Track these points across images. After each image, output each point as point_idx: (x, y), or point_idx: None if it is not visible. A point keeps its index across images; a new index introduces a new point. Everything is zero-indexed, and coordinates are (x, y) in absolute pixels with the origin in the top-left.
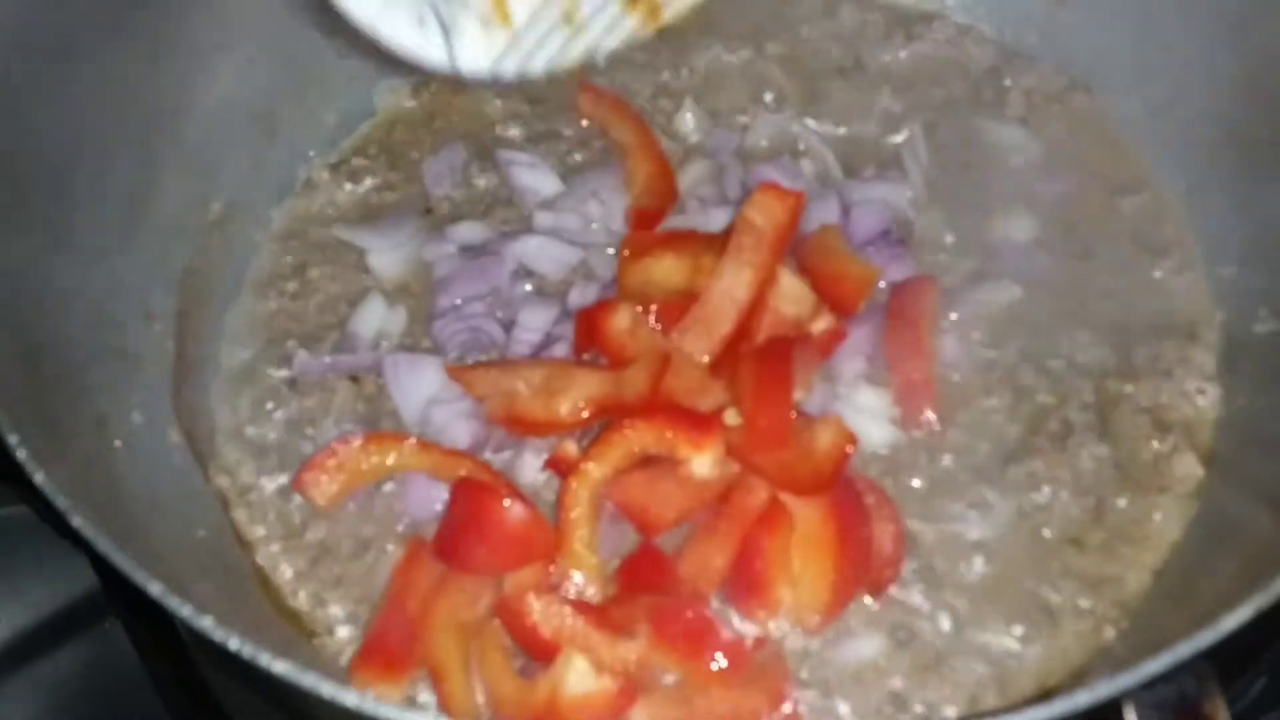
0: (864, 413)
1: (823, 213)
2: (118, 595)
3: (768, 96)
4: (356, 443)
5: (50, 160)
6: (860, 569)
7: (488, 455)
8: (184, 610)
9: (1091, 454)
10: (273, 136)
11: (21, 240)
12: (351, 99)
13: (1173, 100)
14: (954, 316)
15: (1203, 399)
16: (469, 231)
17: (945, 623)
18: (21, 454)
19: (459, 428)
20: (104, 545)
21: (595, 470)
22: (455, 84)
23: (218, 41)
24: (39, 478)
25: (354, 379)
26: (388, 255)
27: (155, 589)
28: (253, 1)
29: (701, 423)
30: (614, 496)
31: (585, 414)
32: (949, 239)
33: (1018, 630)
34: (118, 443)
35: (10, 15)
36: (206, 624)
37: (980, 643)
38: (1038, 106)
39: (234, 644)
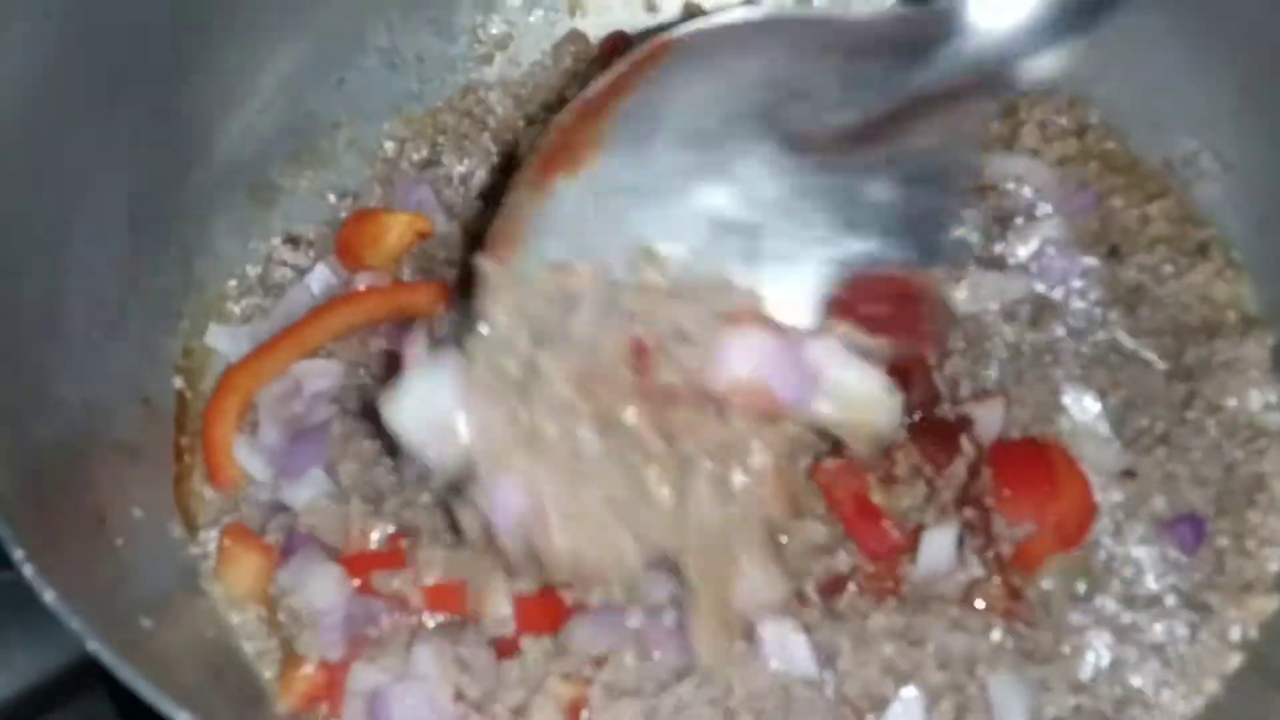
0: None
1: None
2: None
3: None
4: None
5: (42, 237)
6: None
7: None
8: None
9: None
10: (270, 206)
11: (10, 325)
12: (351, 173)
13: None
14: None
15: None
16: None
17: None
18: (21, 560)
19: None
20: (124, 672)
21: None
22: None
23: (220, 105)
24: (47, 596)
25: None
26: None
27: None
28: (253, 70)
29: None
30: None
31: None
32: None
33: None
34: (119, 541)
35: (10, 80)
36: None
37: None
38: (1052, 138)
39: None
